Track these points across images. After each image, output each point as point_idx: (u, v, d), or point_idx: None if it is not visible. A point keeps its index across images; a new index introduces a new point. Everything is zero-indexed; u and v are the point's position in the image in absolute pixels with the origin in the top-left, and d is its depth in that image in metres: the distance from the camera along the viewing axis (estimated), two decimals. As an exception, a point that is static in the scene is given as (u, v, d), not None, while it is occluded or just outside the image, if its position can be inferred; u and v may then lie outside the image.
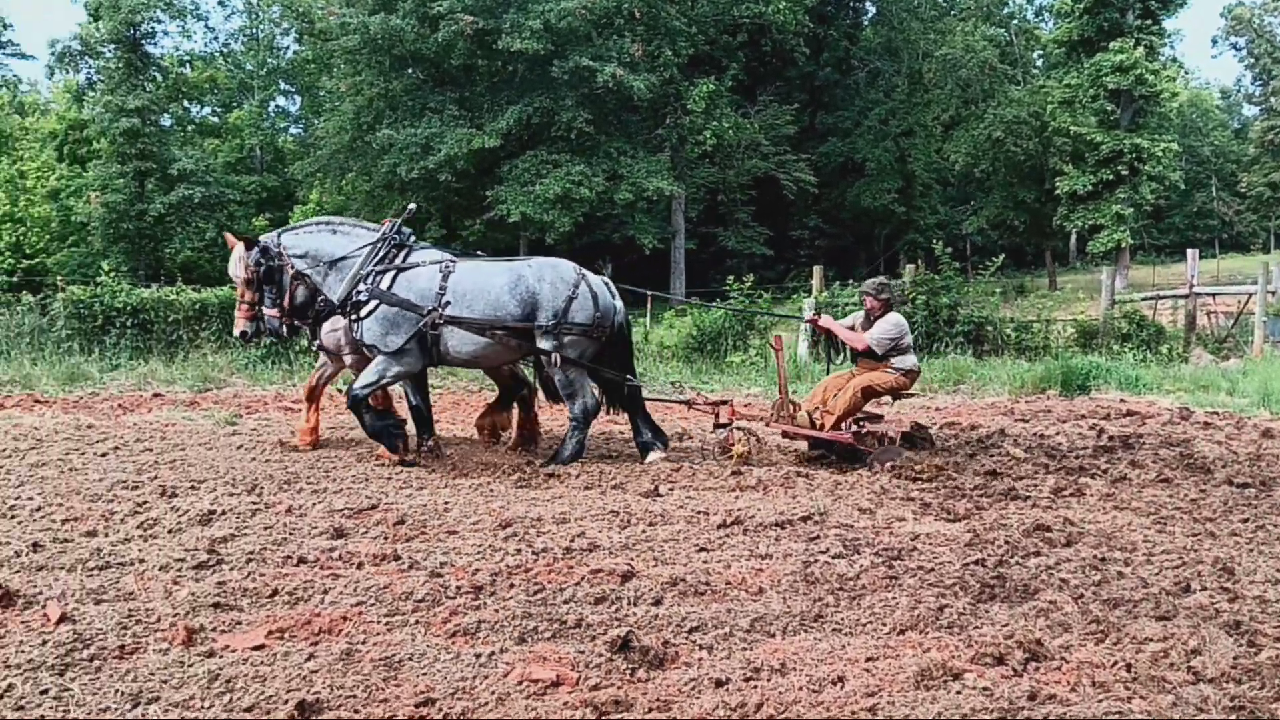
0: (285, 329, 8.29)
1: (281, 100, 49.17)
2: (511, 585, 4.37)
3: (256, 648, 3.62)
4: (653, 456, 7.87)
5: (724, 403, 8.36)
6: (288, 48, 47.63)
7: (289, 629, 3.82)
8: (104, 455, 7.65)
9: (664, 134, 35.77)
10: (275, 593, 4.21)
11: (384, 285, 7.69)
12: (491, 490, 6.56)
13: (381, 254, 7.82)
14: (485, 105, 33.63)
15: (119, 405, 11.04)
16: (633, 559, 4.80)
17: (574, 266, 8.03)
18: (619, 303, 8.16)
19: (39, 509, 5.63)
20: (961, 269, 20.16)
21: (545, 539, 5.12)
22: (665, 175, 33.42)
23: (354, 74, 34.59)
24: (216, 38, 49.05)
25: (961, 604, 4.21)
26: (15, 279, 28.84)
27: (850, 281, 19.17)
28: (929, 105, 41.64)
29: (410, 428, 8.16)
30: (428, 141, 32.14)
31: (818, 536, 5.27)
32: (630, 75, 31.54)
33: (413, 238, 8.19)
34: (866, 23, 47.75)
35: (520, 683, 3.36)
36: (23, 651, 3.54)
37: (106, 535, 5.14)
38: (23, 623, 3.86)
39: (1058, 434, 9.32)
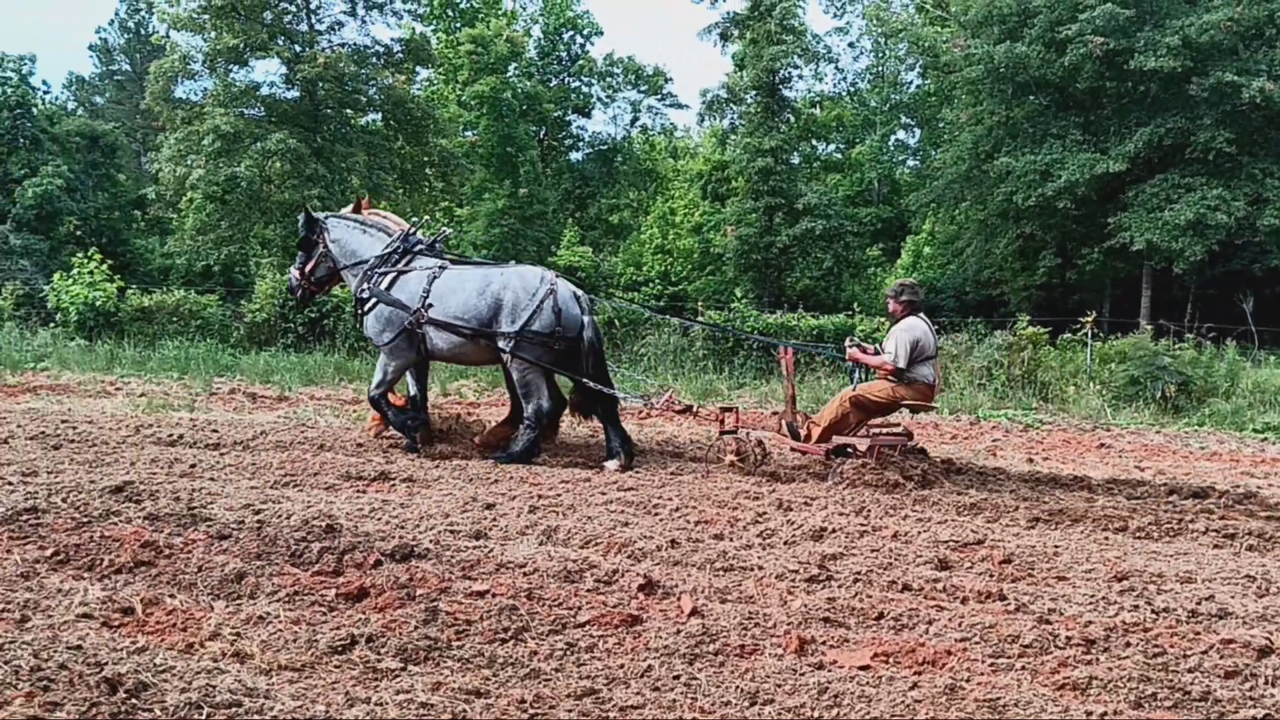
0: (301, 292, 9.51)
1: (901, 134, 50.36)
2: (1128, 644, 4.06)
3: (862, 667, 3.74)
4: (609, 465, 8.18)
5: (731, 409, 8.58)
6: (910, 83, 48.72)
7: (894, 654, 3.89)
8: (731, 465, 8.39)
9: (1322, 152, 31.03)
10: (881, 616, 4.32)
11: (383, 286, 8.70)
12: (1107, 538, 6.15)
13: (392, 258, 8.87)
14: (1111, 128, 31.67)
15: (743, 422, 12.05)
16: (1272, 633, 4.22)
17: (542, 276, 8.57)
18: (587, 317, 8.58)
19: (676, 509, 6.32)
20: None
21: (1167, 598, 4.68)
22: (1324, 198, 28.98)
23: (975, 103, 34.45)
24: (845, 78, 51.49)
25: None
26: (662, 303, 32.73)
27: None
28: None
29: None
30: (1047, 168, 31.00)
31: None
32: (1284, 88, 27.87)
33: (420, 245, 9.07)
34: None
35: (1137, 751, 3.11)
36: (660, 637, 3.98)
37: (731, 540, 5.63)
38: (661, 611, 4.35)
39: None
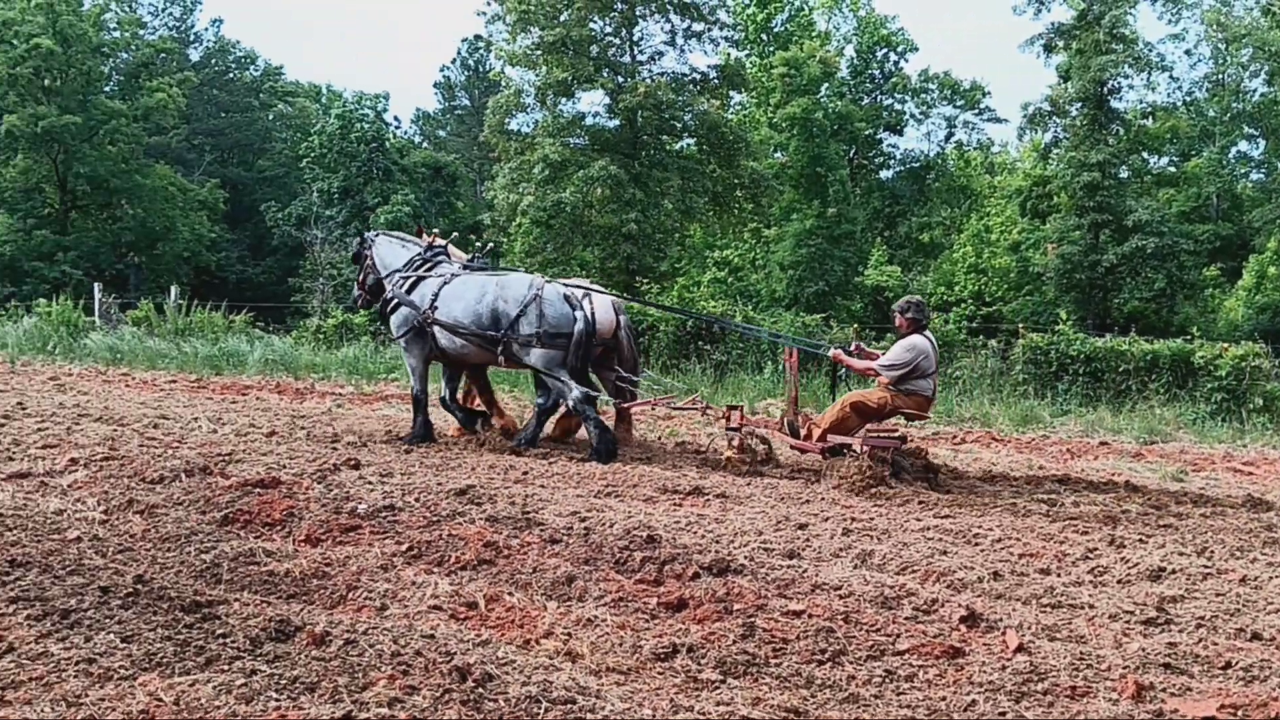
0: (360, 303, 10.97)
1: (1244, 145, 46.09)
2: None
3: (1207, 719, 3.49)
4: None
5: (736, 408, 8.88)
6: (1255, 90, 44.48)
7: (1243, 706, 3.60)
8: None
9: None
10: (1228, 665, 4.02)
11: (404, 289, 9.67)
12: None
13: (416, 265, 9.83)
14: None
15: (1067, 450, 11.42)
16: None
17: (533, 283, 9.20)
18: (578, 313, 9.08)
19: (998, 540, 6.09)
20: None
21: None
22: None
23: (1335, 109, 31.11)
24: (1180, 87, 47.70)
25: None
26: (975, 324, 31.56)
27: None
28: None
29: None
30: None
31: None
32: None
33: (441, 256, 9.98)
34: None
35: None
36: (984, 672, 3.87)
37: (1059, 575, 5.37)
38: (984, 644, 4.23)
39: None
